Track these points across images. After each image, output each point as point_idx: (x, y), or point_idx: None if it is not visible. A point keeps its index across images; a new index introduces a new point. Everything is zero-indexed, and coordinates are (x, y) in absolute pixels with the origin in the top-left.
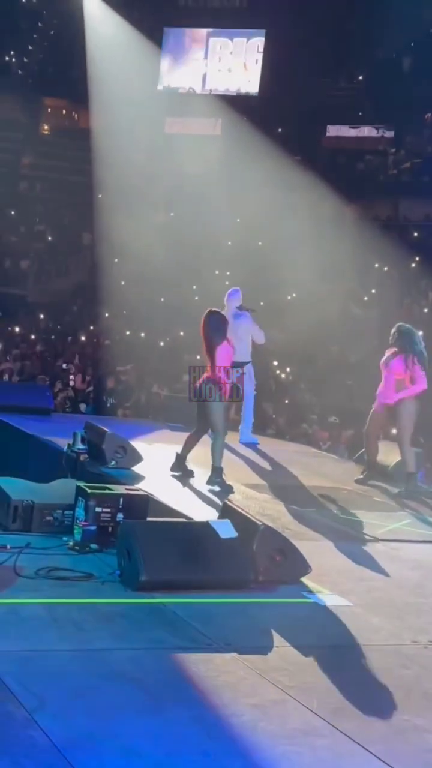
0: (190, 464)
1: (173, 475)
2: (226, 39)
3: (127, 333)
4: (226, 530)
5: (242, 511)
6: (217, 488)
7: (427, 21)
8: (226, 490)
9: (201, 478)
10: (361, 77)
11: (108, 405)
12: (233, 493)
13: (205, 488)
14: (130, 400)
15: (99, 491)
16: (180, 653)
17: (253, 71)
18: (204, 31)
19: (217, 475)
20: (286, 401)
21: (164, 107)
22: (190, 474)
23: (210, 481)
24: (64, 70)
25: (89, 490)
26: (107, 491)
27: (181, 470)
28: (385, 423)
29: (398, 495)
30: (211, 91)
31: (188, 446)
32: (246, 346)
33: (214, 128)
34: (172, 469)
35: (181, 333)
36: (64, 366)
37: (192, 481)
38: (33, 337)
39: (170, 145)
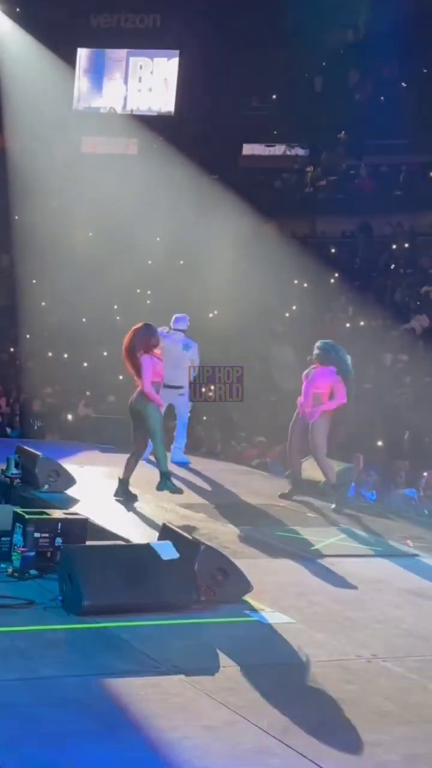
0: (132, 487)
1: (117, 500)
2: (144, 59)
3: (50, 354)
4: (168, 552)
5: (181, 532)
6: (172, 489)
7: (338, 41)
8: (176, 492)
9: (142, 500)
10: (274, 96)
11: (35, 428)
12: (182, 493)
13: (141, 509)
14: (56, 422)
15: (37, 516)
16: (128, 677)
17: (169, 91)
18: (122, 51)
19: (166, 479)
20: (213, 419)
21: (80, 127)
22: (134, 498)
23: (159, 486)
24: None
25: (27, 516)
26: (45, 516)
27: (125, 495)
28: (305, 434)
29: (333, 510)
30: (132, 111)
31: (129, 469)
32: (185, 374)
33: (131, 148)
34: (116, 494)
35: (105, 353)
36: None
37: (132, 503)
38: None
39: (87, 165)
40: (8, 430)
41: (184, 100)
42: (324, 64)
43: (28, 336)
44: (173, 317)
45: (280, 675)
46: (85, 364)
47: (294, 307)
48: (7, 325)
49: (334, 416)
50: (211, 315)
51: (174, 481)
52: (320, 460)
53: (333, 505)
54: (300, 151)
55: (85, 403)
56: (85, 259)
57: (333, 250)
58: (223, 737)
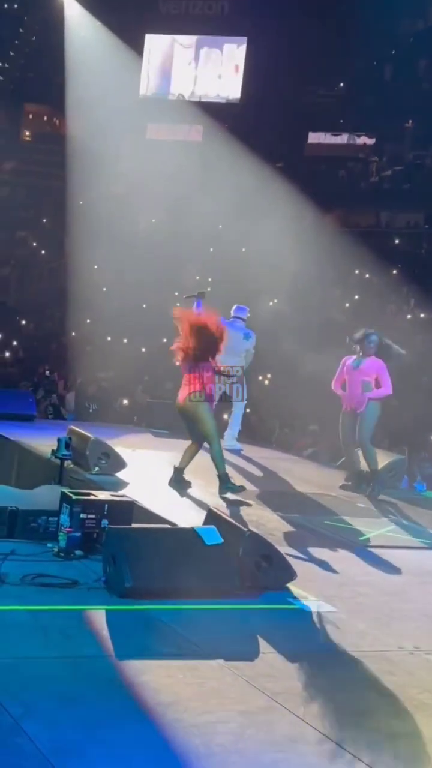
0: (188, 476)
1: (172, 488)
2: (212, 46)
3: (109, 339)
4: (212, 537)
5: (227, 518)
6: (229, 495)
7: (407, 29)
8: (239, 490)
9: (197, 488)
10: (342, 84)
11: (90, 411)
12: (244, 490)
13: (189, 494)
14: (112, 405)
15: (84, 497)
16: (167, 660)
17: (236, 78)
18: (191, 38)
19: (224, 482)
20: (268, 408)
21: (145, 114)
22: (188, 485)
23: (221, 491)
24: (46, 77)
25: (74, 497)
26: (92, 497)
27: (179, 483)
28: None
29: (368, 494)
30: (199, 98)
31: (186, 458)
32: (241, 362)
33: (196, 135)
34: (170, 483)
35: (164, 339)
36: (47, 373)
37: (182, 490)
38: (15, 343)
39: (151, 151)
40: (63, 411)
41: (251, 88)
42: (393, 52)
43: (88, 321)
44: (234, 306)
45: (320, 664)
46: (144, 350)
47: (356, 297)
48: (69, 309)
49: (382, 406)
50: (270, 303)
51: (233, 481)
52: (365, 447)
53: (369, 490)
54: (366, 140)
55: (143, 389)
56: (147, 245)
57: (396, 241)
58: (259, 723)
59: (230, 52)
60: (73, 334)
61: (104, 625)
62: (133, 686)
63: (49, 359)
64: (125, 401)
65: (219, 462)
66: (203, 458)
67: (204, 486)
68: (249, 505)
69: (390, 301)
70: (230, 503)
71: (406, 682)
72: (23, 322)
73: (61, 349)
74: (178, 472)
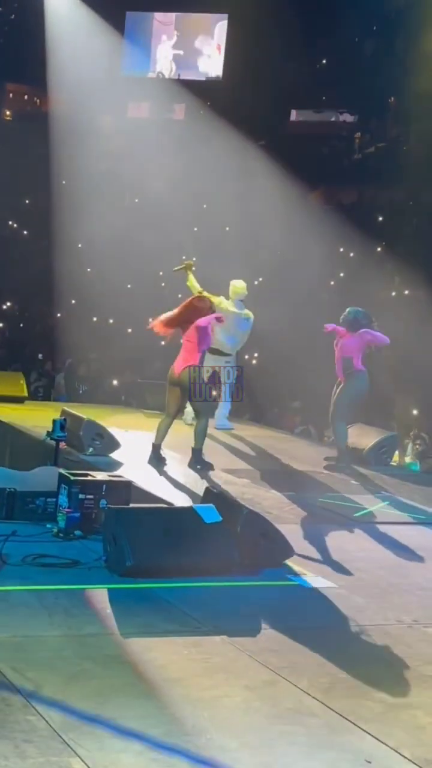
0: (164, 451)
1: (152, 465)
2: (193, 23)
3: (94, 320)
4: (211, 515)
5: (225, 496)
6: (198, 467)
7: (389, 5)
8: (207, 467)
9: (178, 462)
10: (324, 61)
11: (80, 392)
12: (213, 470)
13: (184, 473)
14: (102, 386)
15: (82, 478)
16: (170, 637)
17: (217, 56)
18: (170, 15)
19: (197, 458)
20: (258, 386)
21: (126, 92)
22: (164, 462)
23: (191, 464)
24: (26, 55)
25: (72, 477)
26: (90, 478)
27: (158, 460)
28: None
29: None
30: (180, 76)
31: (161, 434)
32: (237, 343)
33: (178, 113)
34: (150, 461)
35: (150, 319)
36: (40, 356)
37: (170, 466)
38: (0, 325)
39: (133, 129)
40: (52, 392)
41: (233, 65)
42: (374, 28)
43: (73, 302)
44: (233, 283)
45: (321, 638)
46: (130, 330)
47: (342, 275)
48: (54, 290)
49: (364, 386)
50: (256, 282)
51: (204, 458)
52: (333, 423)
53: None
54: (348, 118)
55: (131, 369)
56: (131, 225)
57: (380, 219)
58: (264, 697)
59: (211, 30)
60: (59, 315)
61: (107, 604)
62: (139, 663)
63: (36, 340)
64: (114, 382)
65: (200, 437)
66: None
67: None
68: (244, 483)
69: (374, 278)
70: (225, 482)
71: (406, 654)
72: (8, 303)
73: (48, 330)
74: (156, 448)
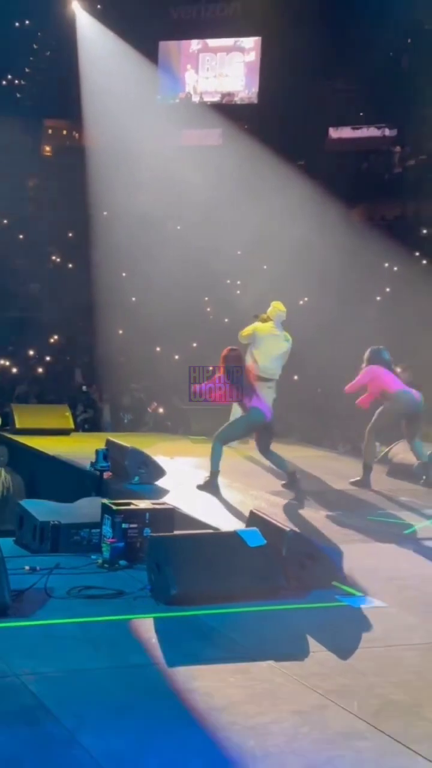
0: (227, 479)
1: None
2: (225, 48)
3: (141, 348)
4: (255, 539)
5: (269, 519)
6: (264, 494)
7: (423, 17)
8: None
9: (224, 487)
10: (359, 77)
11: (125, 421)
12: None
13: (230, 497)
14: (146, 415)
15: (125, 507)
16: (216, 664)
17: (252, 79)
18: (204, 41)
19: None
20: (303, 405)
21: (165, 120)
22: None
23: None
24: (63, 91)
25: (115, 507)
26: (133, 507)
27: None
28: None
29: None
30: (214, 101)
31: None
32: (279, 366)
33: (215, 138)
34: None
35: (194, 344)
36: (84, 388)
37: (220, 492)
38: (48, 358)
39: (172, 157)
40: (100, 424)
41: (267, 87)
42: (409, 41)
43: (120, 332)
44: (275, 305)
45: (372, 659)
46: (177, 357)
47: (388, 289)
48: (99, 321)
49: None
50: (301, 302)
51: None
52: (366, 437)
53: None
54: (387, 132)
55: (179, 396)
56: (174, 252)
57: (424, 231)
58: (313, 722)
59: (244, 53)
60: (106, 345)
61: (152, 633)
62: (184, 692)
63: (82, 372)
64: (161, 409)
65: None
66: (237, 462)
67: (242, 488)
68: (289, 504)
69: (420, 292)
70: (271, 504)
71: None
72: (55, 336)
73: (95, 361)
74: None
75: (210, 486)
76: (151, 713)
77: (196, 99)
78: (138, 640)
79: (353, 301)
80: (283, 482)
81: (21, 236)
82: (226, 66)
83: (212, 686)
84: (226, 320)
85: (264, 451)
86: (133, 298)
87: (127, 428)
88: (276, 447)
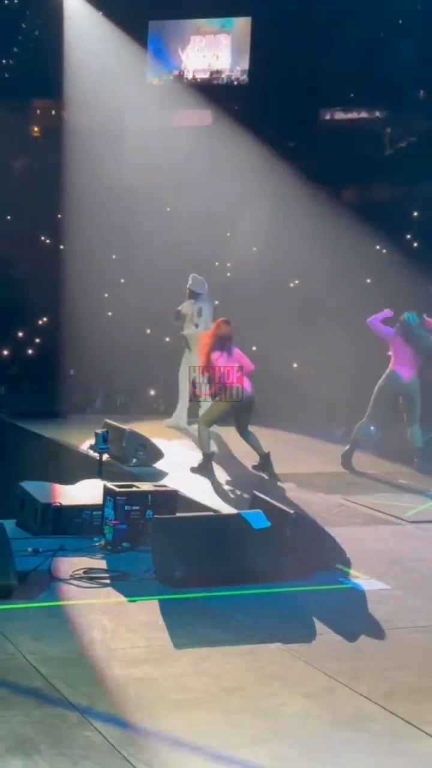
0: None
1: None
2: (216, 27)
3: (131, 331)
4: (259, 521)
5: (272, 501)
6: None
7: None
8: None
9: (223, 470)
10: (350, 59)
11: (118, 403)
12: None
13: (229, 480)
14: (139, 397)
15: (127, 489)
16: (224, 647)
17: (242, 59)
18: (194, 21)
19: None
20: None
21: (154, 101)
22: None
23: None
24: (51, 71)
25: (117, 489)
26: (135, 489)
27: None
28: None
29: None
30: (204, 80)
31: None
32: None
33: (205, 119)
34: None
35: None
36: (72, 372)
37: (216, 474)
38: (38, 341)
39: (160, 138)
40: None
41: (258, 67)
42: (400, 21)
43: (109, 314)
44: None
45: (378, 641)
46: (167, 339)
47: (377, 272)
48: (88, 303)
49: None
50: (291, 285)
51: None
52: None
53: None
54: (378, 113)
55: (168, 379)
56: (163, 233)
57: (415, 214)
58: (323, 704)
59: (235, 33)
60: (94, 327)
61: (159, 616)
62: (194, 674)
63: (72, 354)
64: (152, 392)
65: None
66: (239, 445)
67: (242, 472)
68: (291, 487)
69: (410, 275)
70: (271, 486)
71: None
72: (44, 318)
73: (83, 343)
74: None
75: (203, 468)
76: (160, 693)
77: (188, 76)
78: (144, 621)
79: (343, 284)
80: (254, 464)
81: (9, 217)
82: (215, 46)
83: (221, 668)
84: (216, 302)
85: (242, 431)
86: (122, 280)
87: (120, 410)
88: (268, 432)
